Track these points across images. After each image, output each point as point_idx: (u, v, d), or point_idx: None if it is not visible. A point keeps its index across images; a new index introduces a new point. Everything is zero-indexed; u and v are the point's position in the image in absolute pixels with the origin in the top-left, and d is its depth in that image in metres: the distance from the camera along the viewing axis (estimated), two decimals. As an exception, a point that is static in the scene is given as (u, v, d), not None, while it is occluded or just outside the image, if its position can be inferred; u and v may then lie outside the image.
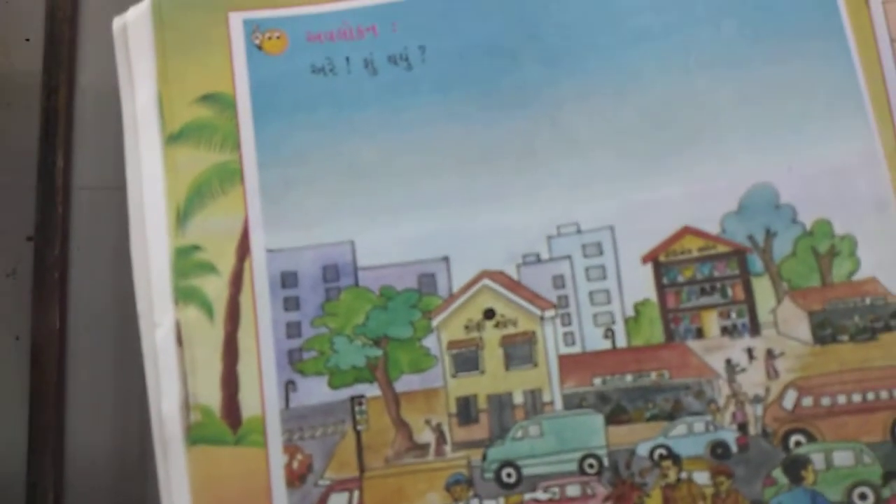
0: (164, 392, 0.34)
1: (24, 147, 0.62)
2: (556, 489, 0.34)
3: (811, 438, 0.34)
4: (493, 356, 0.36)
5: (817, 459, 0.34)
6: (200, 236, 0.35)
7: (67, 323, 0.63)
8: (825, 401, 0.34)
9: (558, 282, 0.36)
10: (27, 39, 0.63)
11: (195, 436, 0.34)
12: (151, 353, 0.35)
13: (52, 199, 0.65)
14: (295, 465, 0.34)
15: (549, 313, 0.36)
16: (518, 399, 0.35)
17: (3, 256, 0.62)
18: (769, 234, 0.35)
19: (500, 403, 0.35)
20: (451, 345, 0.35)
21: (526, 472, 0.34)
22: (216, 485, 0.34)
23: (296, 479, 0.34)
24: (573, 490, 0.34)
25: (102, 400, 0.62)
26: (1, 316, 0.61)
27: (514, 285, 0.36)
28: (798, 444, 0.34)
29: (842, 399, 0.34)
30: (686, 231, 0.36)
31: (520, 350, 0.36)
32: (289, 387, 0.35)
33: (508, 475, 0.34)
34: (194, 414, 0.34)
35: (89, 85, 0.64)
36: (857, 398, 0.34)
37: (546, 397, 0.35)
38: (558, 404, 0.35)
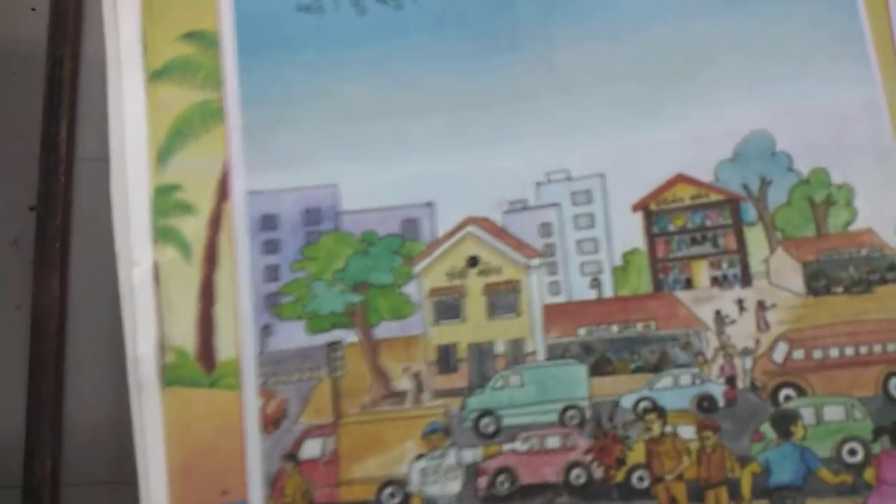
0: (140, 333, 0.35)
1: (28, 117, 0.64)
2: (536, 440, 0.35)
3: (801, 392, 0.34)
4: (475, 304, 0.36)
5: (807, 414, 0.34)
6: (180, 175, 0.37)
7: (68, 292, 0.65)
8: (817, 354, 0.34)
9: (545, 230, 0.37)
10: (33, 9, 0.65)
11: (170, 377, 0.35)
12: (128, 293, 0.36)
13: (55, 169, 0.66)
14: (270, 409, 0.35)
15: (535, 262, 0.36)
16: (500, 348, 0.36)
17: (6, 226, 0.64)
18: (764, 183, 0.36)
19: (481, 352, 0.36)
20: (433, 292, 0.36)
21: (506, 421, 0.35)
22: (190, 427, 0.35)
23: (270, 423, 0.35)
24: (553, 441, 0.35)
25: (101, 369, 0.64)
26: (2, 285, 0.63)
27: (500, 232, 0.37)
28: (788, 398, 0.34)
29: (834, 352, 0.34)
30: (679, 179, 0.36)
31: (503, 299, 0.36)
32: (265, 331, 0.36)
33: (487, 425, 0.35)
34: (169, 355, 0.35)
35: (94, 56, 0.66)
36: (849, 351, 0.34)
37: (528, 347, 0.36)
38: (541, 354, 0.36)
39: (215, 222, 0.36)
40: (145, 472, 0.34)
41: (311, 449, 0.35)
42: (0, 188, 0.63)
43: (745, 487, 0.34)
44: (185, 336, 0.35)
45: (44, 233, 0.62)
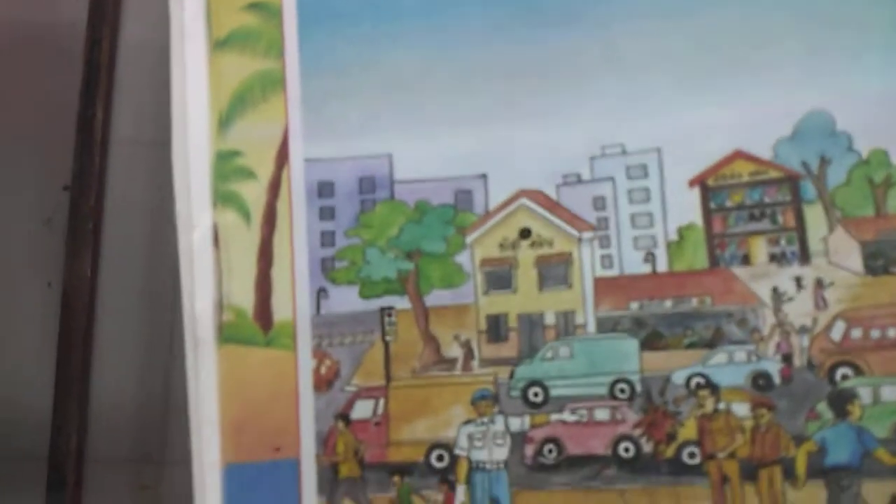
0: (199, 292, 0.38)
1: (65, 98, 0.68)
2: (584, 411, 0.37)
3: (859, 372, 0.36)
4: (526, 276, 0.39)
5: (864, 394, 0.35)
6: (241, 142, 0.40)
7: (99, 272, 0.69)
8: (875, 333, 0.36)
9: (599, 203, 0.39)
10: (73, -9, 0.69)
11: (227, 335, 0.38)
12: (188, 254, 0.39)
13: (90, 150, 0.71)
14: (323, 370, 0.38)
15: (587, 235, 0.39)
16: (550, 320, 0.38)
17: (40, 205, 0.68)
18: (823, 161, 0.37)
19: (531, 323, 0.38)
20: (485, 262, 0.39)
21: (554, 392, 0.37)
22: (244, 384, 0.38)
23: (323, 383, 0.38)
24: (602, 413, 0.37)
25: (128, 348, 0.67)
26: (35, 262, 0.67)
27: (553, 205, 0.39)
28: (845, 377, 0.36)
29: (892, 332, 0.36)
30: (737, 155, 0.38)
31: (554, 271, 0.39)
32: (320, 294, 0.39)
33: (535, 394, 0.37)
34: (227, 314, 0.38)
35: (132, 39, 0.70)
36: (909, 332, 0.36)
37: (579, 319, 0.38)
38: (591, 327, 0.38)
39: (274, 188, 0.39)
40: (198, 428, 0.37)
41: (362, 410, 0.37)
42: (35, 168, 0.67)
43: (800, 467, 0.35)
44: (244, 296, 0.38)
45: (77, 213, 0.66)
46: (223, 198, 0.39)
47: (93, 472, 0.64)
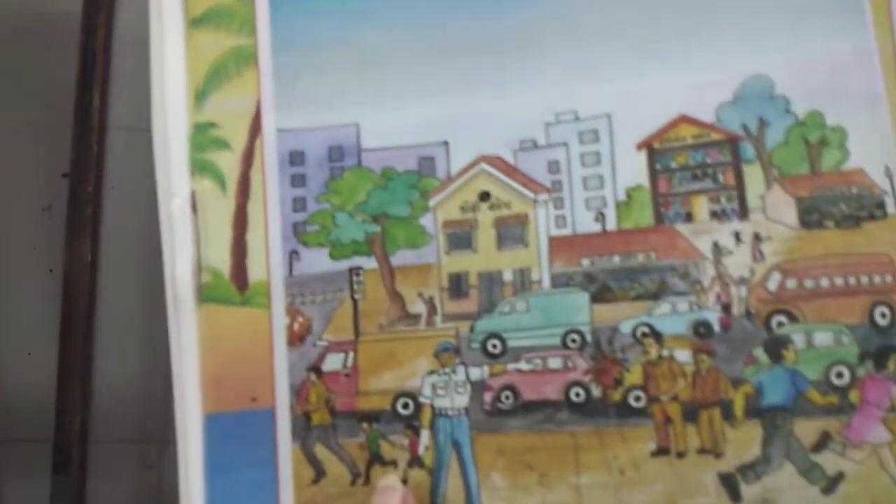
0: (178, 255, 0.42)
1: (62, 86, 0.71)
2: (539, 360, 0.40)
3: (793, 319, 0.39)
4: (486, 236, 0.42)
5: (798, 339, 0.39)
6: (216, 114, 0.43)
7: (99, 257, 0.72)
8: (808, 283, 0.39)
9: (553, 167, 0.42)
10: (68, -21, 0.72)
11: (205, 295, 0.42)
12: (168, 220, 0.42)
13: (88, 137, 0.73)
14: (296, 326, 0.41)
15: (543, 197, 0.42)
16: (508, 277, 0.42)
17: (40, 192, 0.71)
18: (762, 124, 0.40)
19: (491, 280, 0.42)
20: (447, 224, 0.42)
21: (511, 343, 0.41)
22: (222, 340, 0.41)
23: (296, 338, 0.41)
24: (555, 362, 0.40)
25: (130, 332, 0.71)
26: (36, 249, 0.70)
27: (510, 170, 0.42)
28: (780, 324, 0.39)
29: (825, 282, 0.39)
30: (682, 119, 0.41)
31: (512, 231, 0.42)
32: (293, 256, 0.42)
33: (494, 346, 0.41)
34: (205, 275, 0.42)
35: (127, 27, 0.73)
36: (839, 281, 0.39)
37: (535, 276, 0.41)
38: (546, 283, 0.41)
39: (248, 157, 0.43)
40: (180, 381, 0.41)
41: (333, 363, 0.41)
42: (34, 155, 0.70)
43: (738, 408, 0.39)
44: (221, 259, 0.42)
45: (76, 199, 0.69)
46: (200, 167, 0.43)
47: (97, 453, 0.68)
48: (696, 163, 0.41)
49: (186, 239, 0.42)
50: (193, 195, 0.42)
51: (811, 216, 0.40)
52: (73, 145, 0.71)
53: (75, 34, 0.72)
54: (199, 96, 0.43)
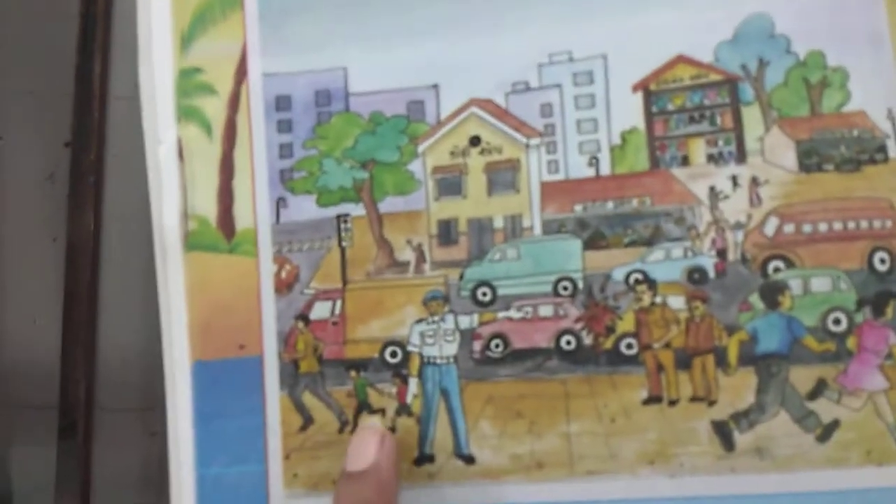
0: (166, 203, 0.43)
1: (63, 54, 0.71)
2: (529, 308, 0.41)
3: (790, 265, 0.39)
4: (476, 182, 0.42)
5: (795, 285, 0.39)
6: (202, 59, 0.43)
7: (102, 226, 0.73)
8: (806, 228, 0.39)
9: (546, 110, 0.42)
10: (66, -55, 0.71)
11: (192, 242, 0.42)
12: (155, 168, 0.43)
13: (89, 105, 0.74)
14: (283, 274, 0.42)
15: (535, 141, 0.42)
16: (498, 223, 0.42)
17: (42, 161, 0.72)
18: (762, 64, 0.40)
19: (481, 227, 0.42)
20: (436, 170, 0.42)
21: (501, 291, 0.41)
22: (210, 288, 0.42)
23: (283, 286, 0.42)
24: (546, 310, 0.41)
25: (133, 299, 0.72)
26: (39, 218, 0.71)
27: (502, 113, 0.42)
28: (777, 270, 0.39)
29: (823, 227, 0.39)
30: (679, 59, 0.41)
31: (503, 176, 0.42)
32: (280, 203, 0.43)
33: (484, 294, 0.41)
34: (192, 223, 0.42)
35: None
36: (837, 226, 0.39)
37: (526, 222, 0.42)
38: (537, 229, 0.41)
39: (234, 102, 0.43)
40: (169, 329, 0.42)
41: (321, 310, 0.42)
42: (36, 125, 0.71)
43: (732, 355, 0.39)
44: (207, 206, 0.42)
45: (78, 168, 0.69)
46: (186, 113, 0.43)
47: (102, 419, 0.69)
48: (693, 105, 0.41)
49: (173, 186, 0.43)
50: (180, 142, 0.43)
51: (810, 159, 0.39)
52: (75, 114, 0.72)
53: (75, 1, 0.72)
54: (185, 41, 0.44)
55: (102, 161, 0.70)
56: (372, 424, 0.39)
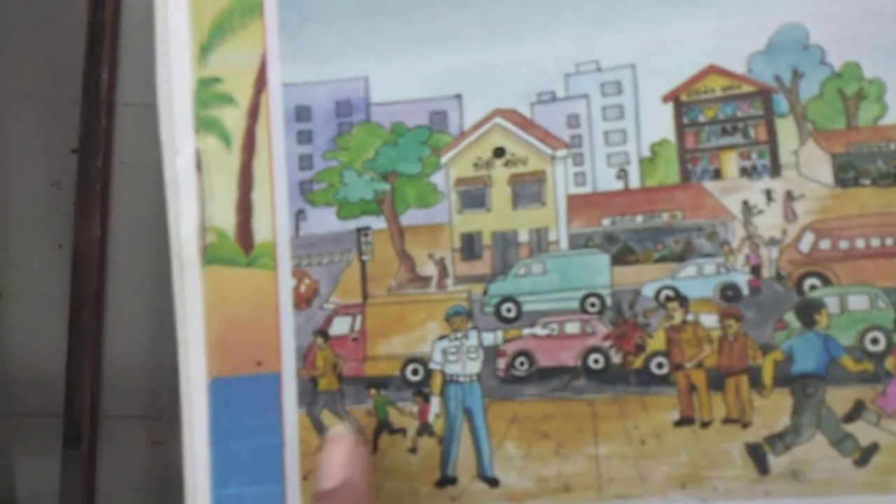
0: (183, 216, 0.42)
1: (71, 61, 0.71)
2: (556, 325, 0.40)
3: (826, 282, 0.38)
4: (500, 194, 0.42)
5: (831, 303, 0.38)
6: (221, 69, 0.43)
7: (108, 232, 0.73)
8: (843, 244, 0.38)
9: (573, 121, 0.41)
10: (75, -49, 0.72)
11: (210, 256, 0.42)
12: (172, 180, 0.42)
13: (97, 112, 0.74)
14: (302, 288, 0.41)
15: (561, 153, 0.41)
16: (523, 237, 0.41)
17: (48, 167, 0.72)
18: (796, 75, 0.39)
19: (505, 241, 0.41)
20: (459, 182, 0.42)
21: (526, 307, 0.40)
22: (228, 303, 0.41)
23: (302, 301, 0.41)
24: (572, 327, 0.40)
25: (140, 307, 0.72)
26: (45, 225, 0.72)
27: (527, 124, 0.41)
28: (813, 287, 0.38)
29: (860, 243, 0.38)
30: (711, 70, 0.40)
31: (528, 189, 0.41)
32: (299, 216, 0.42)
33: (508, 310, 0.41)
34: (210, 235, 0.42)
35: (136, 0, 0.73)
36: (875, 242, 0.38)
37: (552, 236, 0.41)
38: (564, 244, 0.41)
39: (253, 113, 0.43)
40: (185, 344, 0.41)
41: (340, 326, 0.41)
42: (43, 131, 0.71)
43: (767, 375, 0.38)
44: (225, 218, 0.42)
45: (85, 175, 0.70)
46: (204, 124, 0.43)
47: (107, 428, 0.69)
48: (725, 116, 0.40)
49: (191, 198, 0.42)
50: (198, 153, 0.43)
51: (847, 173, 0.38)
52: (82, 120, 0.72)
53: (83, 6, 0.72)
54: (204, 50, 0.43)
55: (109, 168, 0.71)
56: (339, 435, 0.38)
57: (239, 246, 0.42)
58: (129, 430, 0.74)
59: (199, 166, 0.42)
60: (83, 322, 0.72)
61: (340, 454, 0.36)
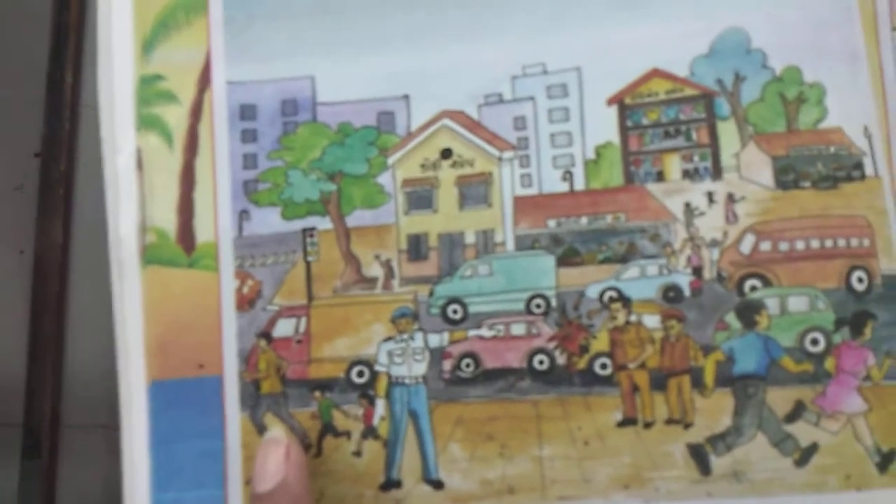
0: (122, 215, 0.41)
1: (34, 62, 0.70)
2: (501, 326, 0.40)
3: (767, 283, 0.39)
4: (447, 195, 0.41)
5: (772, 304, 0.39)
6: (164, 66, 0.42)
7: (71, 238, 0.71)
8: (783, 246, 0.39)
9: (519, 123, 0.41)
10: (40, -45, 0.71)
11: (150, 256, 0.41)
12: (112, 178, 0.42)
13: (60, 114, 0.73)
14: (245, 290, 0.41)
15: (508, 154, 0.41)
16: (470, 238, 0.41)
17: (11, 171, 0.70)
18: (738, 78, 0.40)
19: (452, 242, 0.41)
20: (406, 183, 0.41)
21: (472, 309, 0.40)
22: (168, 304, 0.41)
23: (245, 303, 0.41)
24: (518, 328, 0.40)
25: (102, 314, 0.70)
26: (6, 229, 0.70)
27: (474, 125, 0.41)
28: (753, 288, 0.39)
29: (800, 245, 0.39)
30: (654, 73, 0.41)
31: (475, 190, 0.41)
32: (243, 216, 0.41)
33: (455, 311, 0.40)
34: (150, 235, 0.41)
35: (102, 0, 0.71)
36: (815, 244, 0.38)
37: (498, 238, 0.41)
38: (510, 245, 0.41)
39: (196, 111, 0.42)
40: (124, 347, 0.40)
41: (284, 328, 0.40)
42: (5, 134, 0.69)
43: (709, 376, 0.38)
44: (166, 218, 0.41)
45: (48, 179, 0.68)
46: (146, 122, 0.42)
47: (68, 437, 0.67)
48: (668, 119, 0.41)
49: (131, 198, 0.41)
50: (139, 151, 0.42)
51: (787, 176, 0.39)
52: (45, 122, 0.71)
53: (47, 8, 0.71)
54: (146, 47, 0.42)
55: (73, 172, 0.69)
56: (274, 437, 0.37)
57: (180, 246, 0.41)
58: (91, 439, 0.72)
59: (139, 165, 0.42)
60: (44, 329, 0.70)
61: (276, 456, 0.35)
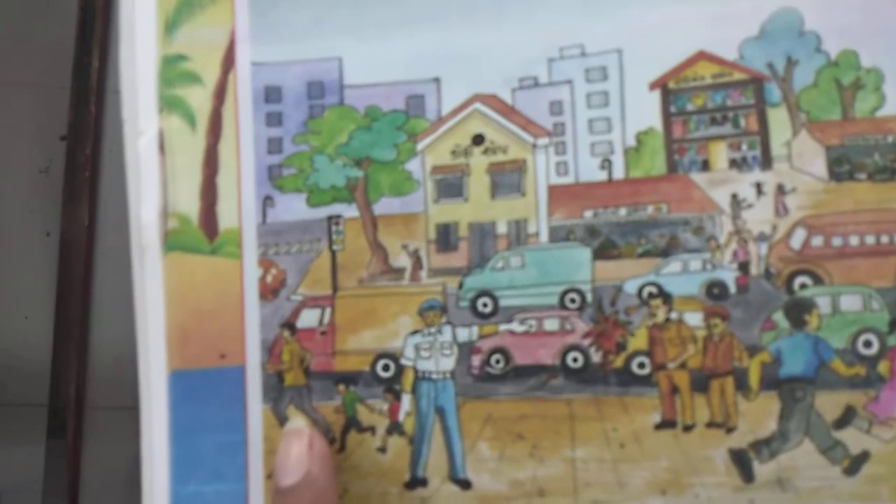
0: (144, 199, 0.40)
1: (61, 47, 0.69)
2: (534, 321, 0.38)
3: (818, 281, 0.36)
4: (478, 183, 0.40)
5: (823, 303, 0.36)
6: (187, 46, 0.41)
7: (96, 220, 0.71)
8: (836, 241, 0.36)
9: (556, 108, 0.39)
10: (68, -59, 0.70)
11: (172, 242, 0.40)
12: (134, 161, 0.40)
13: (86, 99, 0.72)
14: (269, 278, 0.39)
15: (543, 141, 0.39)
16: (501, 229, 0.39)
17: (37, 154, 0.70)
18: (790, 62, 0.37)
19: (482, 232, 0.39)
20: (436, 170, 0.40)
21: (503, 302, 0.38)
22: (190, 292, 0.39)
23: (269, 292, 0.39)
24: (551, 324, 0.38)
25: (127, 295, 0.70)
26: (33, 212, 0.70)
27: (508, 110, 0.39)
28: (803, 286, 0.36)
29: (854, 240, 0.36)
30: (700, 56, 0.38)
31: (507, 178, 0.39)
32: (266, 202, 0.40)
33: (485, 304, 0.39)
34: (172, 221, 0.40)
35: None
36: (870, 240, 0.36)
37: (531, 228, 0.39)
38: (544, 236, 0.39)
39: (220, 93, 0.40)
40: (144, 335, 0.39)
41: (308, 319, 0.39)
42: (32, 117, 0.69)
43: (754, 378, 0.36)
44: (189, 203, 0.40)
45: (73, 162, 0.68)
46: (168, 103, 0.40)
47: (92, 418, 0.67)
48: (715, 105, 0.38)
49: (153, 181, 0.40)
50: (161, 133, 0.40)
51: (842, 167, 0.37)
52: (71, 107, 0.71)
53: None
54: (169, 26, 0.41)
55: (98, 155, 0.69)
56: (296, 429, 0.36)
57: (202, 232, 0.40)
58: (115, 419, 0.72)
59: (162, 148, 0.40)
60: (70, 310, 0.70)
61: (299, 449, 0.34)
